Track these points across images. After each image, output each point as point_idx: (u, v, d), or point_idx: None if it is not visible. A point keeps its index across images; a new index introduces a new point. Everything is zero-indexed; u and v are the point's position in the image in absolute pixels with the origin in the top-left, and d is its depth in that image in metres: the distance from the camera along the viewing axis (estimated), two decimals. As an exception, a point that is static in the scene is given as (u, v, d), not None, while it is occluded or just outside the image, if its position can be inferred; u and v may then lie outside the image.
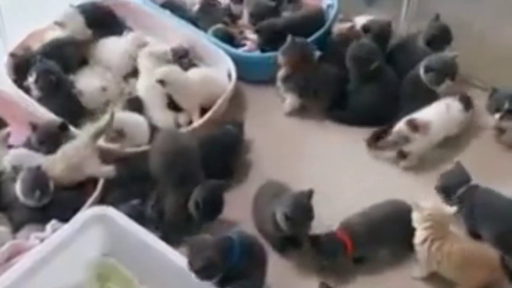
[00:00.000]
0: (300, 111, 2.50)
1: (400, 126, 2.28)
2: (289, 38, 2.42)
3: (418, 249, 1.94)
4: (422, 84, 2.38)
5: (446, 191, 2.11)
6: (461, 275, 1.92)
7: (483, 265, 1.92)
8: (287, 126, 2.48)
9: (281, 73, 2.47)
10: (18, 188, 2.04)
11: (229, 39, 2.64)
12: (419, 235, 1.93)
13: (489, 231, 2.03)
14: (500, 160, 2.35)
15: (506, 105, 2.28)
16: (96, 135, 2.18)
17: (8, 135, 2.24)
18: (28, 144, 2.23)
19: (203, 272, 1.72)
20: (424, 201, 1.95)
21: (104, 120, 2.22)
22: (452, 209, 1.95)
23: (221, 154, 2.23)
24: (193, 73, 2.47)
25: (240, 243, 1.79)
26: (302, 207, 1.95)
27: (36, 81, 2.34)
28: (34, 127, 2.22)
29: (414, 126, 2.26)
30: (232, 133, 2.29)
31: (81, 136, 2.19)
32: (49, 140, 2.19)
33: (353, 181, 2.27)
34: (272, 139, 2.41)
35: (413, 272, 2.00)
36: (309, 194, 1.96)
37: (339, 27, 2.61)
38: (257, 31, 2.61)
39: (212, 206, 2.00)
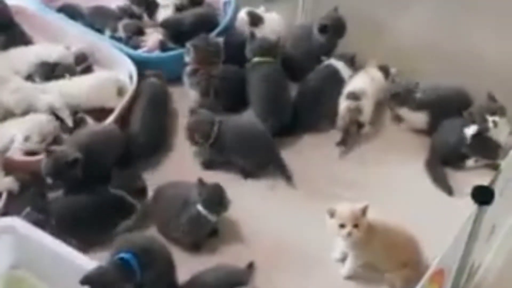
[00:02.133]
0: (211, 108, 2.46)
1: (346, 104, 2.35)
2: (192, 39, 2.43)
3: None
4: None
5: (203, 135, 2.23)
6: (384, 258, 1.95)
7: (404, 244, 1.95)
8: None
9: (188, 68, 2.45)
10: None
11: (139, 32, 2.66)
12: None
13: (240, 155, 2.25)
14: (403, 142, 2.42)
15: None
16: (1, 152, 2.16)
17: None
18: None
19: None
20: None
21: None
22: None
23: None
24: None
25: (137, 259, 1.74)
26: (220, 190, 2.02)
27: None
28: None
29: (356, 96, 2.34)
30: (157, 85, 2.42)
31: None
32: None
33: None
34: (181, 137, 2.37)
35: (343, 271, 2.00)
36: (201, 181, 2.01)
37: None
38: (162, 26, 2.63)
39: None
